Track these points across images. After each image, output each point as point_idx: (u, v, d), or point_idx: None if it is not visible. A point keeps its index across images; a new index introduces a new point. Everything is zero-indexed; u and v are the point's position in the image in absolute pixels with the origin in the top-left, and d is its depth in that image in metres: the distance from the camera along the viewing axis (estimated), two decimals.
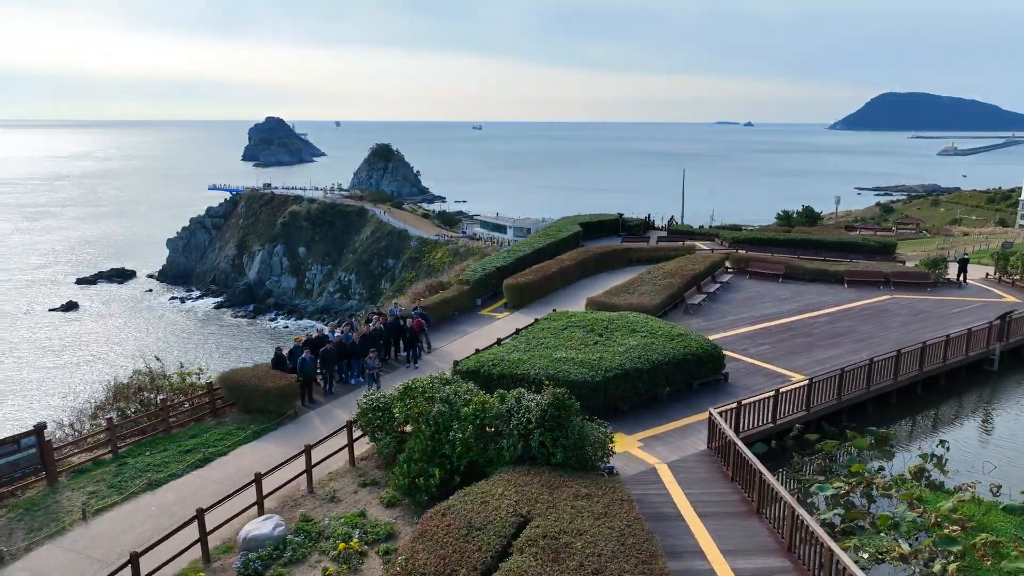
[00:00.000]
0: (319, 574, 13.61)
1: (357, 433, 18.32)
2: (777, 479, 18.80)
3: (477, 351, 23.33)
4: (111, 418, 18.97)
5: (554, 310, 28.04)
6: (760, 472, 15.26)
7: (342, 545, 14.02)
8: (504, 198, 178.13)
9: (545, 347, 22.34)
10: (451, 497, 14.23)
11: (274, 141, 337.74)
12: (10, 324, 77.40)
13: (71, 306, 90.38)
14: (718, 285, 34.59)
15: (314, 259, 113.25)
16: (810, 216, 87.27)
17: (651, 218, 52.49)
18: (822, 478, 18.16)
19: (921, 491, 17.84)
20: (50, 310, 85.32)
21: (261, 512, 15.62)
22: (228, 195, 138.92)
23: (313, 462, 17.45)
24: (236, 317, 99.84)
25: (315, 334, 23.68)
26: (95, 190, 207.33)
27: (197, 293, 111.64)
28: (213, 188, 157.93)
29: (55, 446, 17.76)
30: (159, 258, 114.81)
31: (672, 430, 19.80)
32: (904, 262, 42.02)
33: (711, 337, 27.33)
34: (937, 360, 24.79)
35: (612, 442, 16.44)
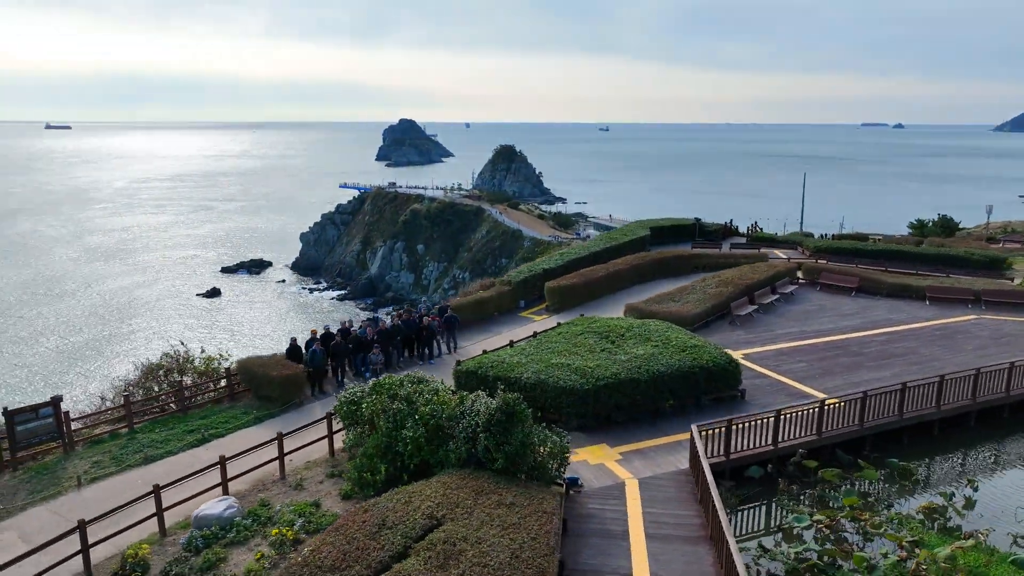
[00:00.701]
0: (252, 557, 14.21)
1: (339, 425, 18.87)
2: (761, 507, 17.66)
3: (484, 352, 23.37)
4: (127, 395, 20.67)
5: (581, 315, 27.56)
6: (712, 497, 14.34)
7: (275, 531, 14.57)
8: (624, 200, 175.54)
9: (550, 352, 22.02)
10: (384, 494, 14.41)
11: (406, 142, 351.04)
12: (158, 307, 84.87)
13: (214, 292, 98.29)
14: (777, 296, 32.57)
15: (431, 256, 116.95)
16: (946, 226, 79.74)
17: (732, 223, 50.13)
18: (808, 508, 16.76)
19: (925, 534, 16.06)
20: (197, 295, 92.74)
21: (225, 493, 16.49)
22: (357, 193, 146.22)
23: (296, 449, 18.28)
24: (357, 309, 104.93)
25: (338, 328, 24.58)
26: (245, 186, 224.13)
27: (324, 285, 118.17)
28: (343, 186, 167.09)
29: (74, 417, 19.58)
30: (293, 251, 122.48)
31: (660, 445, 18.95)
32: (1013, 279, 37.69)
33: (747, 351, 26.02)
34: (997, 389, 22.14)
35: (567, 452, 16.01)
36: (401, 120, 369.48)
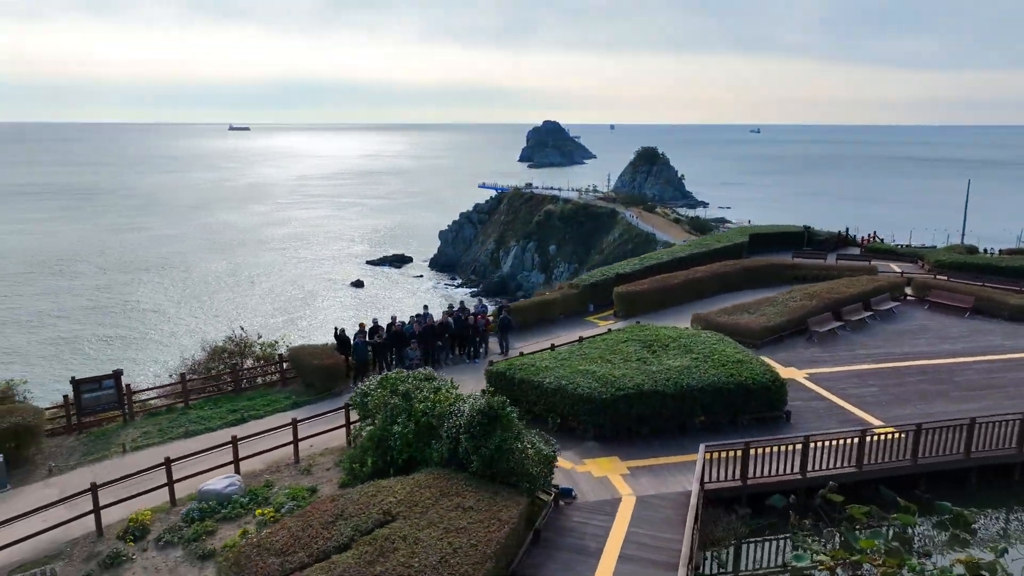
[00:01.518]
0: (236, 533, 15.01)
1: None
2: (775, 541, 16.29)
3: (521, 353, 23.19)
4: (184, 374, 22.48)
5: (637, 322, 26.64)
6: (689, 525, 13.42)
7: (259, 512, 15.29)
8: (769, 205, 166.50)
9: (583, 358, 21.46)
10: (356, 487, 14.73)
11: (548, 144, 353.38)
12: (313, 296, 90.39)
13: (359, 284, 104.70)
14: (870, 313, 29.73)
15: (563, 257, 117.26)
16: None
17: (848, 232, 46.22)
18: (819, 547, 15.19)
19: None
20: (344, 285, 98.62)
21: (237, 471, 17.52)
22: (494, 193, 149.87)
23: (314, 435, 19.11)
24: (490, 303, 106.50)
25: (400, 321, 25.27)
26: (394, 185, 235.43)
27: (458, 281, 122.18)
28: (482, 186, 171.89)
29: (136, 390, 21.58)
30: (432, 248, 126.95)
31: (676, 464, 17.92)
32: None
33: (813, 371, 24.07)
34: None
35: (554, 461, 15.58)
36: (545, 122, 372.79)
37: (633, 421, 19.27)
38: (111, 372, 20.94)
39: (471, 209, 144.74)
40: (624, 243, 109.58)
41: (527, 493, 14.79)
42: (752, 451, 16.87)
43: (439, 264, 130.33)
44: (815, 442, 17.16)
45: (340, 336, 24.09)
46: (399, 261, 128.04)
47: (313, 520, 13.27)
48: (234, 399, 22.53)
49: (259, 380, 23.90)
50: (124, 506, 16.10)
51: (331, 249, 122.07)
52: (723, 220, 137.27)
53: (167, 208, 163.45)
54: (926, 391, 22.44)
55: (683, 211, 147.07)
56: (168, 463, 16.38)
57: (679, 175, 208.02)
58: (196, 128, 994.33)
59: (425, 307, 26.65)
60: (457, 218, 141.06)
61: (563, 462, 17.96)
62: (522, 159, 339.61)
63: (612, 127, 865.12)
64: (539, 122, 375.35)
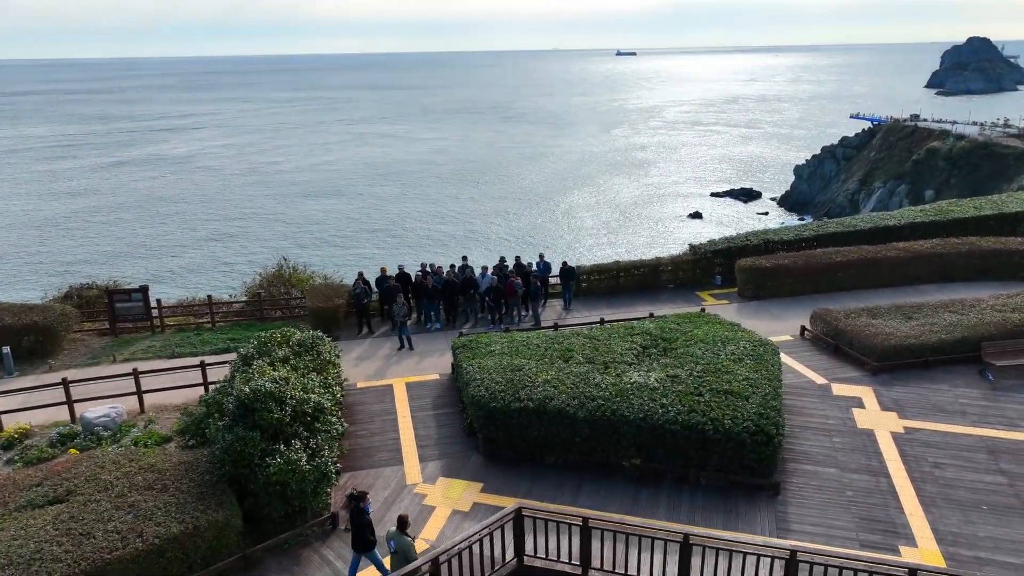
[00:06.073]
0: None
1: None
2: None
3: (508, 330, 19.14)
4: (210, 296, 23.43)
5: (702, 309, 20.07)
6: None
7: (72, 451, 15.18)
8: None
9: (540, 348, 16.89)
10: (116, 452, 13.70)
11: (970, 66, 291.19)
12: (641, 222, 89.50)
13: (696, 215, 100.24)
14: None
15: None
16: None
17: None
18: None
19: None
20: (677, 216, 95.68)
21: (141, 401, 17.73)
22: (868, 124, 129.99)
23: None
24: None
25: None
26: (757, 113, 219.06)
27: (808, 221, 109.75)
28: (854, 117, 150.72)
29: (164, 305, 23.21)
30: (784, 183, 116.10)
31: (557, 511, 13.03)
32: None
33: (924, 425, 16.01)
34: None
35: (325, 482, 12.45)
36: (970, 39, 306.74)
37: (535, 445, 14.56)
38: (138, 287, 22.84)
39: (836, 143, 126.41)
40: None
41: (245, 507, 12.13)
42: (600, 529, 11.42)
43: (789, 202, 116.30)
44: (698, 543, 10.85)
45: (358, 278, 22.73)
46: (745, 195, 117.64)
47: (33, 477, 12.67)
48: (250, 327, 22.93)
49: (278, 312, 23.91)
50: (43, 413, 17.49)
51: (679, 177, 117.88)
52: None
53: (540, 127, 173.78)
54: None
55: None
56: (66, 383, 17.23)
57: None
58: (586, 53, 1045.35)
59: (464, 258, 23.61)
60: (819, 152, 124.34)
61: (412, 476, 14.49)
62: (930, 85, 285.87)
63: None
64: (962, 40, 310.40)
